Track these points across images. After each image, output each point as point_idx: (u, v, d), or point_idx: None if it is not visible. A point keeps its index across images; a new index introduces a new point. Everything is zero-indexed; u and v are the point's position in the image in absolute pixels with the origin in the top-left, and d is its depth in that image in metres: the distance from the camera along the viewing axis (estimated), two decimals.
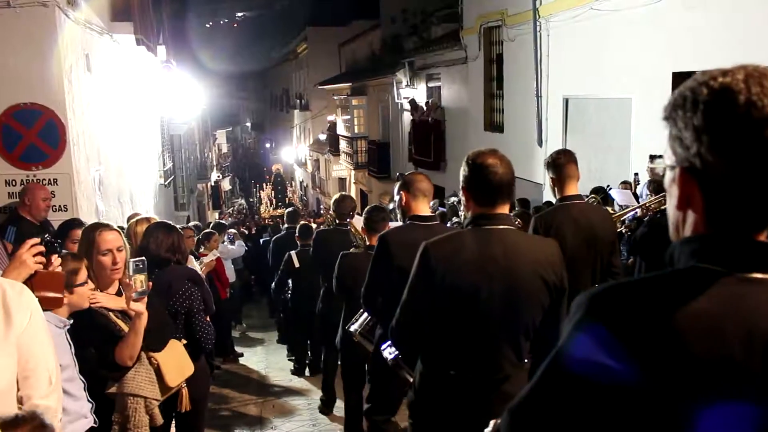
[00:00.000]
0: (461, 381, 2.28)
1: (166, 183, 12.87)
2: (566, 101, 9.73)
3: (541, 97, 10.17)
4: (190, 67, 20.37)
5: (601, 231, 3.71)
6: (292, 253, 7.52)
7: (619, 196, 6.78)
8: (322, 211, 7.74)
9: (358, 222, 4.79)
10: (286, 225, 8.93)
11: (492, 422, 1.51)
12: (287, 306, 8.23)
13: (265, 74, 46.57)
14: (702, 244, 1.05)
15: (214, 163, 32.19)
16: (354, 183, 23.60)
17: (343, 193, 6.96)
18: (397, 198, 3.40)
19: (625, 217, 5.87)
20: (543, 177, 10.43)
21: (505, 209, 2.41)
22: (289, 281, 7.67)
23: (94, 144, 6.92)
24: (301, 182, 37.27)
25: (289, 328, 8.48)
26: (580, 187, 8.79)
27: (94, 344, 2.93)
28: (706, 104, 1.02)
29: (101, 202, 6.94)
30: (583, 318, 1.03)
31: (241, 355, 8.56)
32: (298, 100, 33.61)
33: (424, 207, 3.23)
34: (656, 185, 5.83)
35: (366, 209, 4.37)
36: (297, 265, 7.29)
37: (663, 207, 5.52)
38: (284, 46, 38.26)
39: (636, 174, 7.38)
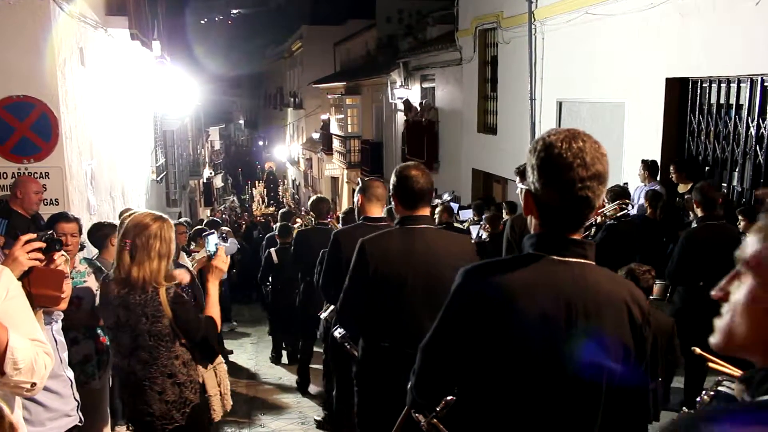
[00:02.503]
0: (393, 351, 2.79)
1: (158, 179, 12.83)
2: (560, 105, 9.77)
3: (534, 100, 10.20)
4: (184, 64, 20.30)
5: None
6: (272, 250, 8.06)
7: None
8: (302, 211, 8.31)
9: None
10: (284, 223, 9.14)
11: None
12: (267, 300, 8.80)
13: (259, 72, 46.48)
14: (537, 239, 1.69)
15: (207, 159, 32.06)
16: (346, 182, 23.59)
17: (319, 195, 7.62)
18: (355, 199, 3.85)
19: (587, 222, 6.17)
20: None
21: (425, 212, 2.97)
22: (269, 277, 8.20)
23: (87, 138, 6.89)
24: (293, 181, 37.21)
25: (269, 320, 8.88)
26: None
27: (195, 329, 2.93)
28: (538, 151, 1.65)
29: (93, 197, 6.92)
30: (460, 280, 1.72)
31: (231, 352, 8.54)
32: (292, 99, 33.57)
33: (376, 209, 3.68)
34: (614, 194, 6.29)
35: (343, 210, 4.87)
36: (276, 261, 7.83)
37: (619, 214, 5.87)
38: (279, 44, 38.20)
39: (626, 183, 7.41)
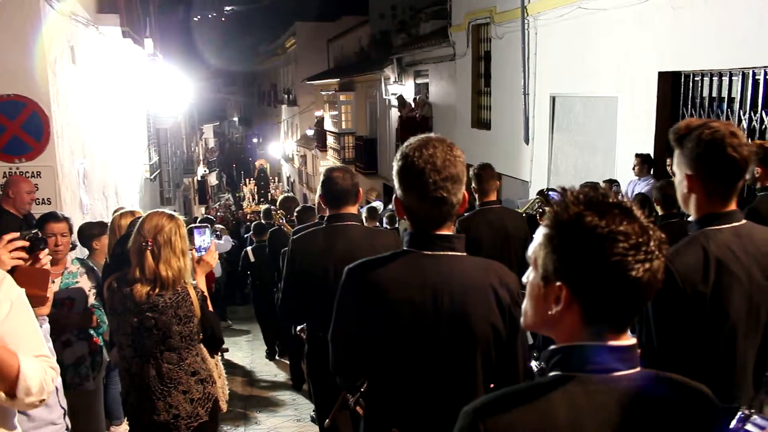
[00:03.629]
0: (327, 341, 2.87)
1: (152, 177, 12.78)
2: (553, 99, 9.77)
3: (528, 94, 10.19)
4: (177, 61, 20.22)
5: (513, 231, 4.45)
6: (248, 249, 8.38)
7: (557, 198, 7.02)
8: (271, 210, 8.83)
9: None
10: (259, 221, 9.52)
11: None
12: (249, 298, 9.08)
13: (252, 69, 46.31)
14: (409, 237, 1.90)
15: (201, 157, 32.01)
16: None
17: (287, 194, 7.96)
18: (317, 196, 4.05)
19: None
20: (529, 174, 10.47)
21: (350, 210, 3.18)
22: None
23: (79, 137, 6.85)
24: (287, 178, 37.16)
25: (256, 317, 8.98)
26: (566, 183, 8.84)
27: (211, 324, 2.98)
28: (397, 161, 1.87)
29: (85, 196, 6.89)
30: (343, 277, 1.94)
31: (227, 350, 8.53)
32: (286, 96, 33.47)
33: None
34: None
35: (296, 209, 5.30)
36: (252, 259, 8.12)
37: None
38: (272, 41, 38.07)
39: (616, 182, 7.41)
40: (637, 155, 7.08)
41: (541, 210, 6.52)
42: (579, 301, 1.13)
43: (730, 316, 1.95)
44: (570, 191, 1.21)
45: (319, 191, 3.88)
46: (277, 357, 8.13)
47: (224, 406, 3.16)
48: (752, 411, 1.44)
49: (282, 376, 7.30)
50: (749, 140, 6.18)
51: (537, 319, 1.21)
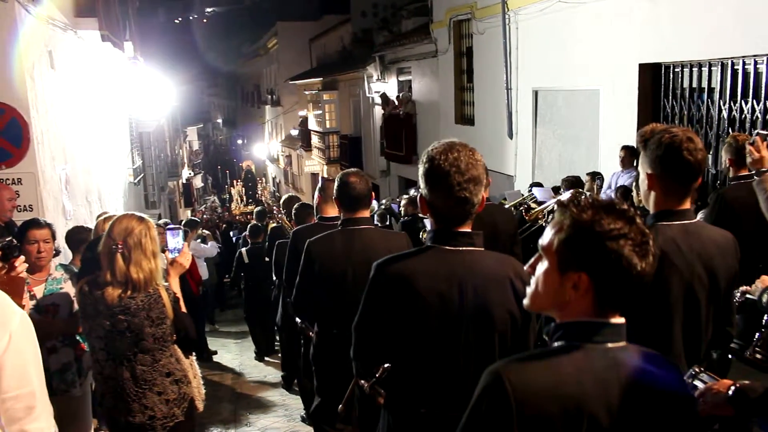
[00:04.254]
0: (342, 336, 2.91)
1: (136, 181, 12.70)
2: (536, 93, 9.81)
3: (510, 89, 10.23)
4: (159, 64, 20.09)
5: (503, 226, 4.45)
6: (243, 250, 8.40)
7: (539, 193, 7.20)
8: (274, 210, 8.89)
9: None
10: (255, 223, 9.46)
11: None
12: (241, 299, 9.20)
13: (235, 70, 46.10)
14: (433, 234, 2.07)
15: (185, 160, 31.82)
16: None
17: (290, 194, 7.96)
18: (315, 198, 4.07)
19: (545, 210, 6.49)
20: (514, 169, 10.52)
21: (365, 214, 3.31)
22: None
23: (60, 142, 6.78)
24: (273, 178, 37.04)
25: (246, 318, 8.96)
26: (551, 177, 8.93)
27: (184, 325, 2.97)
28: (423, 164, 2.03)
29: (68, 202, 6.82)
30: (373, 272, 2.10)
31: (215, 352, 8.50)
32: (269, 96, 33.36)
33: (332, 210, 3.83)
34: (568, 183, 6.68)
35: (294, 206, 5.34)
36: (247, 260, 8.17)
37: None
38: (254, 42, 37.92)
39: (600, 175, 7.45)
40: (623, 147, 7.11)
41: (527, 206, 6.60)
42: (594, 288, 1.36)
43: (668, 303, 2.12)
44: (585, 198, 1.43)
45: (317, 194, 3.94)
46: (266, 358, 8.12)
47: (200, 406, 3.16)
48: (701, 369, 1.71)
49: (272, 376, 7.28)
50: (730, 130, 6.26)
51: (548, 301, 1.44)
